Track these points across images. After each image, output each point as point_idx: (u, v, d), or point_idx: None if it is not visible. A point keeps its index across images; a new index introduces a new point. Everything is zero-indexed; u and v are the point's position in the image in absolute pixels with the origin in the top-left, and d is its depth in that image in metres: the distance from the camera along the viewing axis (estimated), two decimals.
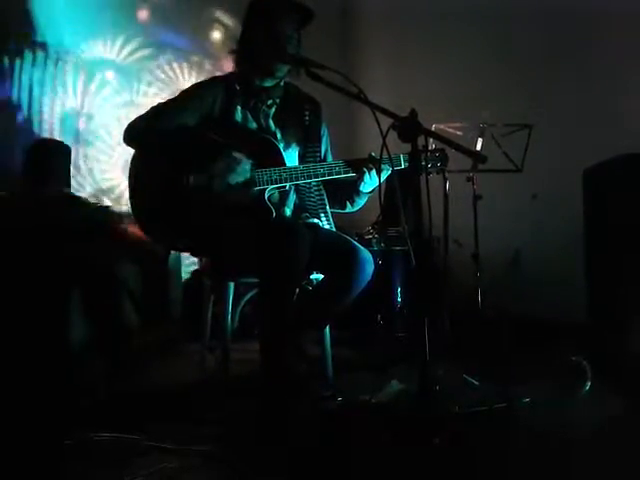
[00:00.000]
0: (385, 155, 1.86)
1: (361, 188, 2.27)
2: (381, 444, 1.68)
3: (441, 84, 4.00)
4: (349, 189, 2.33)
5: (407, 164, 2.18)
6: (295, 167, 2.25)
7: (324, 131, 2.47)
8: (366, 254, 2.25)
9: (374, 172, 2.19)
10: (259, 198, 2.22)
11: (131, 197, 2.28)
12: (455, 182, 2.89)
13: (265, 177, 2.20)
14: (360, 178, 2.23)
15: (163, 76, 4.09)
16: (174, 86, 4.06)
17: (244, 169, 2.19)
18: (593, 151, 2.73)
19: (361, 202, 2.38)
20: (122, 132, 2.26)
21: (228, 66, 2.47)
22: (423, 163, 1.98)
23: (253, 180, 2.20)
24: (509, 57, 3.64)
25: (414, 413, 1.73)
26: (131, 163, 2.30)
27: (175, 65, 4.14)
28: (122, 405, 2.15)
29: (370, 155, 2.20)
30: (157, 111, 2.27)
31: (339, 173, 2.24)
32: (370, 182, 2.24)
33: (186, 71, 4.19)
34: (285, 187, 2.27)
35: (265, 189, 2.21)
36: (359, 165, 2.22)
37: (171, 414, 2.02)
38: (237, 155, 2.19)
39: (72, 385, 2.20)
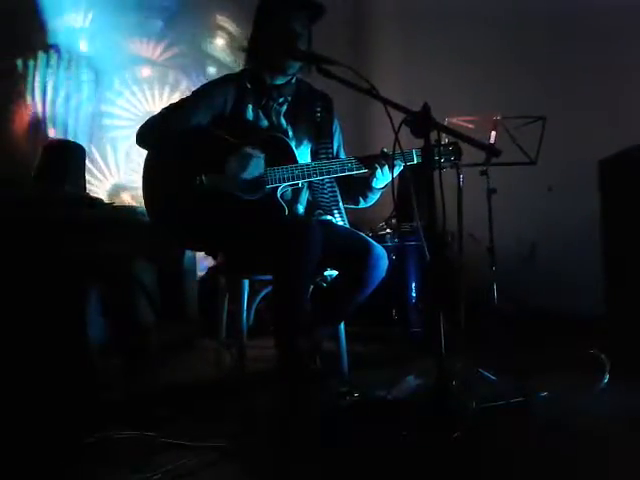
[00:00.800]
0: (398, 150, 1.86)
1: (373, 184, 2.26)
2: (399, 440, 1.68)
3: (454, 77, 3.97)
4: (362, 185, 2.32)
5: (420, 159, 2.17)
6: (307, 164, 2.25)
7: (336, 127, 2.46)
8: (380, 250, 2.25)
9: (386, 168, 2.19)
10: (271, 196, 2.22)
11: (145, 197, 2.29)
12: (469, 176, 2.87)
13: (277, 175, 2.21)
14: (372, 174, 2.22)
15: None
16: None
17: (258, 164, 2.19)
18: (608, 142, 2.70)
19: (374, 197, 2.38)
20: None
21: None
22: (436, 158, 1.97)
23: (265, 178, 2.21)
24: (523, 49, 3.60)
25: (431, 408, 1.72)
26: (144, 163, 2.32)
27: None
28: (140, 403, 2.17)
29: (382, 151, 2.19)
30: (169, 111, 2.28)
31: (351, 170, 2.23)
32: (382, 178, 2.23)
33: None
34: (298, 185, 2.27)
35: (277, 187, 2.22)
36: (371, 161, 2.21)
37: (189, 411, 2.04)
38: (249, 150, 2.19)
39: (92, 383, 2.22)
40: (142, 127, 2.27)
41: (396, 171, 2.17)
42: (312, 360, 2.18)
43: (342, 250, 2.23)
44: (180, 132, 2.23)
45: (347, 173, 2.24)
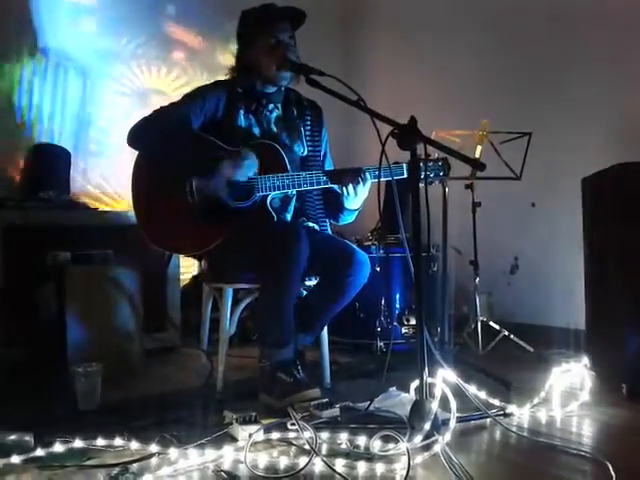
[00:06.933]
0: (384, 162, 1.87)
1: (345, 204, 2.28)
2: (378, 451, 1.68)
3: (442, 90, 4.01)
4: (335, 204, 2.34)
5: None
6: (298, 174, 2.25)
7: (325, 134, 2.49)
8: (362, 256, 2.27)
9: (359, 187, 2.19)
10: (261, 203, 2.23)
11: (134, 200, 2.29)
12: (454, 189, 2.90)
13: (268, 183, 2.22)
14: (342, 191, 2.22)
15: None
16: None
17: (251, 165, 2.18)
18: (592, 159, 2.73)
19: (347, 219, 2.40)
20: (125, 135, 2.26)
21: None
22: (423, 173, 1.97)
23: (255, 186, 2.21)
24: (509, 64, 3.64)
25: (412, 420, 1.73)
26: (134, 166, 2.32)
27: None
28: (119, 411, 2.14)
29: (361, 168, 2.20)
30: (163, 111, 2.27)
31: (320, 183, 2.23)
32: (351, 198, 2.24)
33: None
34: (287, 193, 2.27)
35: (267, 195, 2.23)
36: (346, 176, 2.21)
37: (169, 420, 2.01)
38: (247, 151, 2.18)
39: (69, 391, 2.19)
40: (133, 128, 2.25)
41: (368, 184, 2.19)
42: (295, 369, 2.18)
43: (325, 256, 2.24)
44: (171, 134, 2.20)
45: (328, 185, 2.24)
